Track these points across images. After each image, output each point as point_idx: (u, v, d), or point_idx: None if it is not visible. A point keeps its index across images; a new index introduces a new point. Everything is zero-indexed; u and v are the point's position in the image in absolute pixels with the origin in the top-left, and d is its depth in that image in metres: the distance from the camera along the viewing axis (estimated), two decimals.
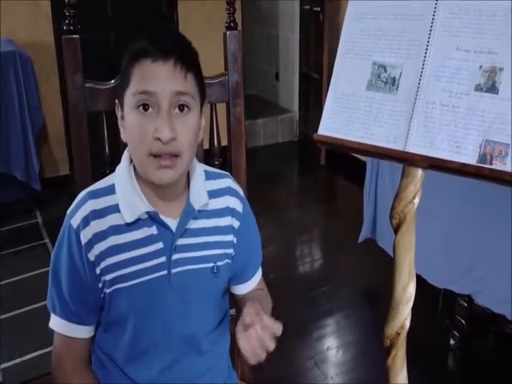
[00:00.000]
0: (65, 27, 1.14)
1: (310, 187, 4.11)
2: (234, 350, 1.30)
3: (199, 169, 1.06)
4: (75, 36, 1.14)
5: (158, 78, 0.92)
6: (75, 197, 1.03)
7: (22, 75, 3.08)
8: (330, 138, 0.93)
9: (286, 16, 4.89)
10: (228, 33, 1.26)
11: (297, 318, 2.45)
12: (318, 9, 4.12)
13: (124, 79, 0.95)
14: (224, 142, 1.34)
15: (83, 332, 1.03)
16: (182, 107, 0.94)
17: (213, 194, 1.06)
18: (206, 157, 1.29)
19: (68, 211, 1.00)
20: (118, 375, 1.04)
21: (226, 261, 1.07)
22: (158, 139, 0.91)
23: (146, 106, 0.92)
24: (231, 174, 1.18)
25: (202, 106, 1.00)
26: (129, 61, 0.94)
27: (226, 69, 1.28)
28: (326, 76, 4.02)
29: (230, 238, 1.07)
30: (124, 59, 0.96)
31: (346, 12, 0.97)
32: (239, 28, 1.30)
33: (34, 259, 2.84)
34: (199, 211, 1.02)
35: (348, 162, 3.84)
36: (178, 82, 0.93)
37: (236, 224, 1.08)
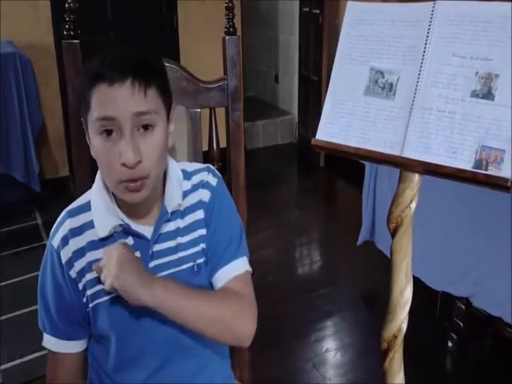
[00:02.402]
0: (65, 32, 1.15)
1: (310, 189, 4.11)
2: (232, 351, 1.30)
3: (176, 170, 1.05)
4: (75, 41, 1.15)
5: (117, 102, 0.89)
6: (75, 198, 1.05)
7: (21, 77, 3.09)
8: (327, 143, 0.94)
9: (286, 18, 4.90)
10: (227, 38, 1.27)
11: (295, 319, 2.46)
12: (318, 11, 4.12)
13: (85, 103, 0.93)
14: (223, 145, 1.35)
15: (74, 347, 1.05)
16: (145, 126, 0.92)
17: (187, 193, 1.05)
18: (205, 160, 1.30)
19: (51, 232, 1.02)
20: (110, 383, 1.05)
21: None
22: (124, 165, 0.90)
23: (108, 131, 0.91)
24: (230, 178, 1.18)
25: (168, 113, 0.98)
26: (87, 85, 0.92)
27: (225, 73, 1.29)
28: (326, 78, 4.03)
29: (204, 231, 1.06)
30: (82, 81, 0.95)
31: (344, 17, 0.98)
32: (238, 31, 1.31)
33: (34, 260, 2.81)
34: (172, 213, 1.02)
35: (347, 165, 3.85)
36: (137, 102, 0.90)
37: (203, 214, 1.06)
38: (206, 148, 1.34)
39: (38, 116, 3.31)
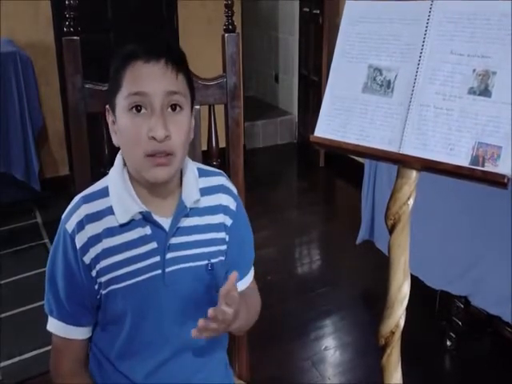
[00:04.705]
0: (65, 29, 1.15)
1: (309, 189, 4.12)
2: (232, 349, 1.31)
3: (192, 166, 1.08)
4: (75, 38, 1.15)
5: (151, 78, 0.93)
6: (74, 197, 1.05)
7: (22, 76, 3.09)
8: (326, 140, 0.94)
9: (286, 18, 4.91)
10: (226, 35, 1.27)
11: (295, 318, 2.47)
12: (318, 11, 4.13)
13: (115, 83, 0.96)
14: (222, 144, 1.35)
15: (80, 333, 1.05)
16: (174, 106, 0.96)
17: (205, 192, 1.07)
18: (205, 158, 1.30)
19: (63, 216, 1.02)
20: (114, 373, 1.05)
21: (220, 258, 1.08)
22: (153, 138, 0.92)
23: (138, 108, 0.94)
24: (229, 176, 1.19)
25: (192, 105, 1.02)
26: (120, 64, 0.96)
27: (225, 71, 1.30)
28: (326, 78, 4.02)
29: (222, 235, 1.08)
30: (114, 64, 0.97)
31: (342, 15, 0.98)
32: (238, 30, 1.31)
33: (34, 259, 2.84)
34: (191, 209, 1.04)
35: (347, 164, 3.85)
36: (169, 81, 0.94)
37: (228, 222, 1.09)
38: (204, 148, 1.34)
39: (38, 115, 3.31)
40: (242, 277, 1.15)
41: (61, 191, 3.24)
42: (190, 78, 1.01)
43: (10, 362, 2.14)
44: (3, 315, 2.43)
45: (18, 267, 2.79)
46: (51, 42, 3.56)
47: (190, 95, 1.00)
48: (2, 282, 2.69)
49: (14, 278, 2.72)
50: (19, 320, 2.40)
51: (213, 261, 1.06)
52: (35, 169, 3.21)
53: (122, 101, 0.95)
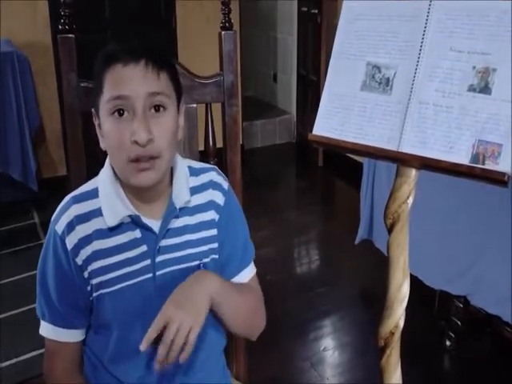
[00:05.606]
0: (60, 26, 1.14)
1: (308, 189, 4.11)
2: (230, 350, 1.30)
3: (183, 165, 1.06)
4: (70, 35, 1.15)
5: (131, 81, 0.91)
6: (65, 197, 1.03)
7: (19, 76, 3.09)
8: (324, 138, 0.94)
9: (284, 18, 4.90)
10: (223, 33, 1.26)
11: (294, 318, 2.46)
12: (316, 11, 4.13)
13: (97, 86, 0.95)
14: (219, 144, 1.34)
15: (73, 336, 1.04)
16: (157, 107, 0.94)
17: (195, 190, 1.05)
18: (202, 158, 1.29)
19: (52, 217, 1.00)
20: (107, 375, 1.04)
21: (212, 256, 1.06)
22: (136, 142, 0.90)
23: (121, 111, 0.92)
24: (226, 175, 1.18)
25: (179, 104, 1.00)
26: (100, 67, 0.94)
27: (222, 69, 1.28)
28: (324, 78, 3.99)
29: (213, 232, 1.07)
30: (95, 67, 0.96)
31: (341, 13, 0.97)
32: (236, 29, 1.30)
33: (32, 259, 2.79)
34: (181, 209, 1.02)
35: (346, 164, 3.85)
36: (150, 82, 0.92)
37: (216, 217, 1.07)
38: (201, 148, 1.33)
39: (36, 115, 3.30)
40: (237, 272, 1.11)
41: (59, 191, 3.19)
42: (175, 76, 0.99)
43: (7, 363, 2.13)
44: (1, 316, 2.42)
45: (16, 268, 2.78)
46: (49, 42, 3.56)
47: (175, 94, 0.98)
48: (0, 282, 2.68)
49: (12, 279, 2.71)
50: (17, 321, 2.39)
51: (205, 260, 1.05)
52: (32, 169, 3.21)
53: (104, 105, 0.93)
